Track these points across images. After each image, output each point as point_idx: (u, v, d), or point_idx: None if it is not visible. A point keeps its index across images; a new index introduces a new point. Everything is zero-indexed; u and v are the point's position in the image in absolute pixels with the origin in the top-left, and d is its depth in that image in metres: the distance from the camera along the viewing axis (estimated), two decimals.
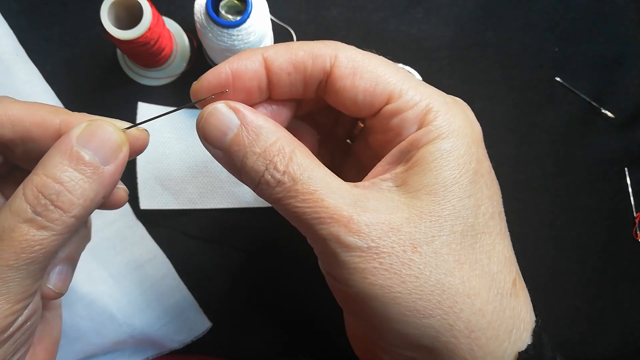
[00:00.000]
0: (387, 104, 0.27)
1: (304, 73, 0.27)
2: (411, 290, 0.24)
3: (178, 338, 0.42)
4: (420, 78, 0.48)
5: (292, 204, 0.25)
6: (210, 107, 0.26)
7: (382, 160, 0.28)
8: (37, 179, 0.24)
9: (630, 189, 0.49)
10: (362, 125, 0.33)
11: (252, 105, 0.27)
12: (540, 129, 0.49)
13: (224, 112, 0.25)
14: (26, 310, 0.26)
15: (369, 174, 0.28)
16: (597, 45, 0.50)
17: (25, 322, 0.26)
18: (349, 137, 0.35)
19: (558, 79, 0.50)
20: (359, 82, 0.26)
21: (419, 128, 0.26)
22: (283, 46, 0.27)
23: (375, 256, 0.24)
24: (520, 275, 0.27)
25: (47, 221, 0.24)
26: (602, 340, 0.48)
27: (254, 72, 0.26)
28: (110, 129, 0.26)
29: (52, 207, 0.24)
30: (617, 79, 0.50)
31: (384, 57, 0.28)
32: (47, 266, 0.26)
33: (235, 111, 0.25)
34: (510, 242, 0.27)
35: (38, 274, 0.25)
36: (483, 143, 0.28)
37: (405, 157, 0.26)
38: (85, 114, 0.28)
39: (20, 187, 0.25)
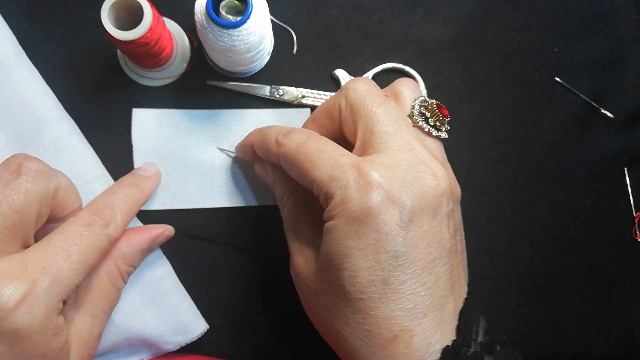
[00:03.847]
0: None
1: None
2: (313, 318, 0.36)
3: (173, 340, 0.42)
4: (421, 80, 0.48)
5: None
6: None
7: None
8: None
9: (629, 189, 0.49)
10: None
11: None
12: (539, 129, 0.49)
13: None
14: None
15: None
16: (597, 46, 0.50)
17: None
18: None
19: (558, 79, 0.50)
20: (314, 167, 0.34)
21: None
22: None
23: (299, 286, 0.37)
24: (413, 329, 0.31)
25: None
26: (601, 340, 0.48)
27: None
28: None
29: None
30: (616, 79, 0.50)
31: (335, 144, 0.35)
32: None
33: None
34: (409, 301, 0.31)
35: None
36: (380, 218, 0.31)
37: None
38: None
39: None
